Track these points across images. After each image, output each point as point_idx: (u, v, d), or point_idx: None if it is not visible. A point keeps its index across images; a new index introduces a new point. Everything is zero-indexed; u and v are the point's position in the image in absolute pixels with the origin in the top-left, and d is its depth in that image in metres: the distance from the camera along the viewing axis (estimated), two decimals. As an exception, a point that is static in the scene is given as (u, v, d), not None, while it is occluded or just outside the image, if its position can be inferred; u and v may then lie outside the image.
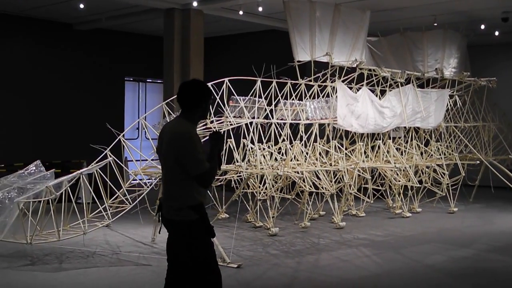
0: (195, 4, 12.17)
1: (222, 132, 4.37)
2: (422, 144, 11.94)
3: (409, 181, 11.10)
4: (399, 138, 11.66)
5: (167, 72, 12.88)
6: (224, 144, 4.49)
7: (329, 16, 10.26)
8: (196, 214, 4.11)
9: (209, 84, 9.20)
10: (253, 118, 9.48)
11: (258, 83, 9.66)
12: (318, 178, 9.93)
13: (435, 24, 13.05)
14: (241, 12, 12.79)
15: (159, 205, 4.34)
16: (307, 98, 10.11)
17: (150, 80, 17.30)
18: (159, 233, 4.68)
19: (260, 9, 12.52)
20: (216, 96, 9.09)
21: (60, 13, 14.10)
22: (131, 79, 16.89)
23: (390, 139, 11.36)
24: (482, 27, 13.38)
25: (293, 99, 10.01)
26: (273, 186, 9.72)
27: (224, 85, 9.31)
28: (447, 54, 12.35)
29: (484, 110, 13.06)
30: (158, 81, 16.48)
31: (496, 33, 13.97)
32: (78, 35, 15.27)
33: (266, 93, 9.69)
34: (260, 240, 8.97)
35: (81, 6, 12.58)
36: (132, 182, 8.87)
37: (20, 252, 7.79)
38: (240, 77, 9.57)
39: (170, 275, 4.31)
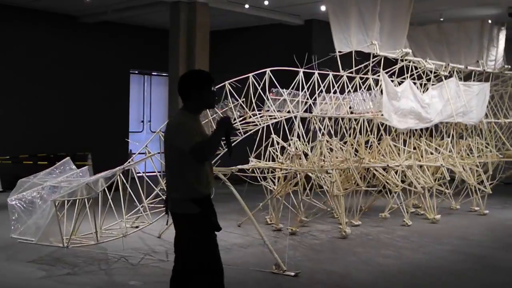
0: (201, -3, 12.13)
1: (229, 118, 4.18)
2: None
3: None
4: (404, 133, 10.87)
5: (173, 65, 12.77)
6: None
7: (372, 4, 9.61)
8: (198, 208, 4.03)
9: (251, 75, 8.61)
10: (292, 112, 8.79)
11: (300, 74, 8.97)
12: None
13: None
14: (247, 6, 12.75)
15: (166, 198, 4.26)
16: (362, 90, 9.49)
17: (156, 73, 17.06)
18: (166, 224, 4.68)
19: (266, 2, 12.46)
20: (258, 88, 8.43)
21: (66, 6, 13.91)
22: (137, 72, 16.63)
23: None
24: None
25: (335, 91, 9.33)
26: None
27: (266, 75, 8.61)
28: (485, 46, 11.76)
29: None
30: (164, 74, 16.19)
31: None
32: (84, 27, 15.01)
33: (308, 84, 9.02)
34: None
35: (87, -2, 12.38)
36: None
37: (57, 259, 6.89)
38: (281, 68, 8.85)
39: (177, 268, 4.23)
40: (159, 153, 7.86)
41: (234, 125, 8.29)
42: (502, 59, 12.11)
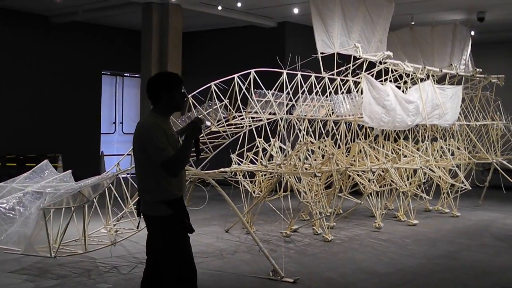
0: (173, -2, 12.10)
1: (200, 121, 4.12)
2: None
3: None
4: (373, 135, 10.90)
5: (145, 67, 12.66)
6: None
7: (354, 6, 9.61)
8: (170, 210, 4.01)
9: (236, 76, 8.43)
10: (274, 113, 8.67)
11: (284, 75, 8.85)
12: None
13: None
14: (219, 7, 12.70)
15: (138, 200, 4.23)
16: (343, 92, 9.45)
17: (128, 75, 16.81)
18: (138, 227, 4.79)
19: (239, 4, 12.45)
20: (243, 88, 8.26)
21: (37, 5, 13.58)
22: (109, 73, 16.36)
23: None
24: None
25: (316, 92, 9.25)
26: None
27: (250, 76, 8.44)
28: (457, 49, 11.96)
29: (493, 108, 12.72)
30: (136, 75, 15.97)
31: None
32: (55, 27, 14.67)
33: (291, 85, 8.90)
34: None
35: (58, -2, 12.15)
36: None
37: (43, 269, 6.51)
38: (265, 69, 8.72)
39: (148, 270, 4.24)
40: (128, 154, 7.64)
41: (219, 126, 8.17)
42: (470, 62, 12.34)
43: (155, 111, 4.14)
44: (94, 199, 6.82)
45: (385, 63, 9.94)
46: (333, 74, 9.41)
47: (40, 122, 14.26)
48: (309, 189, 8.51)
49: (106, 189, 7.07)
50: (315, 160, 9.18)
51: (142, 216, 4.22)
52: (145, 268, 4.29)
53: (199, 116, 7.22)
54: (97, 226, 7.75)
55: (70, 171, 7.20)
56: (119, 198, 7.42)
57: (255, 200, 8.85)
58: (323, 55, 9.27)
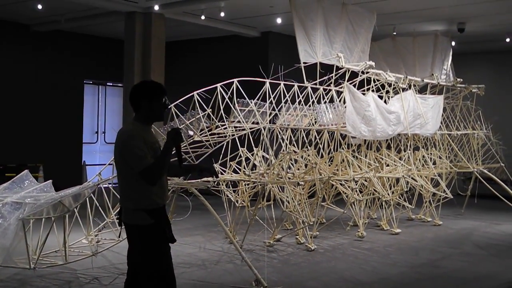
0: (156, 8, 12.09)
1: (178, 130, 4.08)
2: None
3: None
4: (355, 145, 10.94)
5: (128, 76, 12.66)
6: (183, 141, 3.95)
7: (336, 16, 9.68)
8: (151, 219, 3.95)
9: (219, 85, 8.42)
10: (257, 123, 8.67)
11: (267, 85, 8.86)
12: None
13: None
14: (203, 17, 12.73)
15: (120, 209, 4.17)
16: (325, 102, 9.48)
17: (110, 84, 16.74)
18: (119, 237, 4.65)
19: (222, 14, 12.46)
20: (226, 97, 8.24)
21: (17, 14, 13.45)
22: (91, 82, 16.29)
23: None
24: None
25: (299, 102, 9.27)
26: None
27: (233, 85, 8.44)
28: (438, 60, 12.09)
29: (474, 117, 12.85)
30: (119, 84, 15.91)
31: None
32: (36, 36, 14.57)
33: (274, 94, 8.91)
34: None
35: (39, 6, 12.08)
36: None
37: (21, 281, 6.40)
38: (248, 78, 8.72)
39: (129, 281, 4.18)
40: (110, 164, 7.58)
41: (202, 136, 8.15)
42: (451, 72, 12.47)
43: (136, 119, 4.13)
44: (75, 209, 6.74)
45: (367, 73, 9.98)
46: (315, 84, 9.46)
47: (21, 131, 14.12)
48: (292, 198, 8.51)
49: (87, 199, 7.00)
50: (298, 169, 9.20)
51: (123, 226, 4.16)
52: (125, 280, 4.24)
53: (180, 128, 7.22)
54: (78, 237, 7.67)
55: (50, 181, 7.13)
56: (100, 208, 7.36)
57: (245, 213, 8.83)
58: (306, 64, 9.29)
